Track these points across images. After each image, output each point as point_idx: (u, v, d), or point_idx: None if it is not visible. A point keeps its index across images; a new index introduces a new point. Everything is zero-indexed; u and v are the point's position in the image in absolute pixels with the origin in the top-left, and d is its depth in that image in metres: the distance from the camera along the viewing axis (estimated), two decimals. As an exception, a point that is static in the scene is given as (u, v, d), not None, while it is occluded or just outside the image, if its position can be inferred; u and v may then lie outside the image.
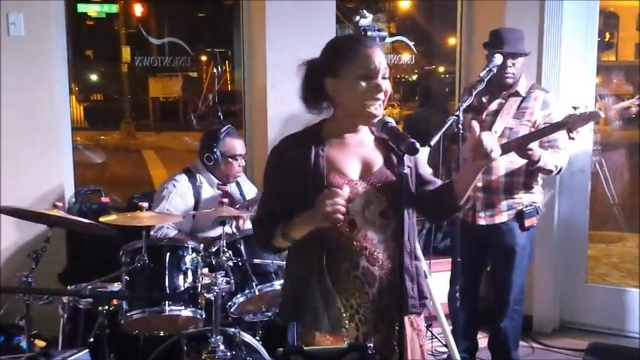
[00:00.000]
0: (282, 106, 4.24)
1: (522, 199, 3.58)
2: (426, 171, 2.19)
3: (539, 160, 3.35)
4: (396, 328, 1.98)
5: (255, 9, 4.36)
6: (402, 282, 1.93)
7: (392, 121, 1.94)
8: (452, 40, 5.13)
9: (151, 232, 3.34)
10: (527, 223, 3.58)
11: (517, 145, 3.33)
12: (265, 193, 2.13)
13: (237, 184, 3.77)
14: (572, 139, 3.28)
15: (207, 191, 3.58)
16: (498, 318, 3.72)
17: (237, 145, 3.60)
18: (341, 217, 1.87)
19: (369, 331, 2.06)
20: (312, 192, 1.95)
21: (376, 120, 1.98)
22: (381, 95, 1.98)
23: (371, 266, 2.03)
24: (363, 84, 1.98)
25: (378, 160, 2.07)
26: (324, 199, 1.86)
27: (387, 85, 2.00)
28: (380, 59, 1.99)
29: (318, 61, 2.11)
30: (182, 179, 3.55)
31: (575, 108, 3.22)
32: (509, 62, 3.49)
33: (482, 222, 3.58)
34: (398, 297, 1.92)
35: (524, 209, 3.57)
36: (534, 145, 3.32)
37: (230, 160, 3.57)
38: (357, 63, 1.99)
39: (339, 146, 2.07)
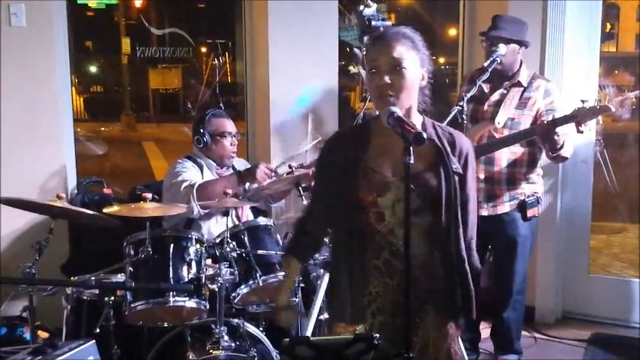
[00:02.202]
0: (285, 98, 4.24)
1: (524, 189, 3.58)
2: (473, 179, 2.16)
3: (562, 146, 3.34)
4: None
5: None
6: (407, 284, 1.88)
7: (398, 111, 1.94)
8: (453, 31, 5.11)
9: (182, 186, 3.33)
10: (530, 213, 3.58)
11: (545, 130, 3.29)
12: (314, 184, 2.28)
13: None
14: (581, 132, 3.27)
15: (208, 175, 3.59)
16: (501, 308, 3.73)
17: (225, 123, 3.61)
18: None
19: (386, 322, 2.09)
20: (346, 183, 2.05)
21: (383, 110, 1.98)
22: (386, 90, 1.99)
23: (393, 259, 2.06)
24: (372, 77, 2.02)
25: (423, 161, 2.06)
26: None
27: (396, 78, 1.99)
28: (390, 53, 1.99)
29: None
30: (187, 162, 3.57)
31: (583, 102, 3.21)
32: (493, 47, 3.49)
33: (484, 213, 3.57)
34: (404, 298, 1.90)
35: (527, 199, 3.57)
36: (560, 131, 3.30)
37: (219, 138, 3.58)
38: (369, 57, 2.04)
39: (381, 143, 2.09)
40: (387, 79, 1.99)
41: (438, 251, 2.07)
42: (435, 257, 2.07)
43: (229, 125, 3.62)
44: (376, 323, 2.09)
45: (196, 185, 3.34)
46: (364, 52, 2.14)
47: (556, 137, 3.28)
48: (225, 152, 3.62)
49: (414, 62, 2.03)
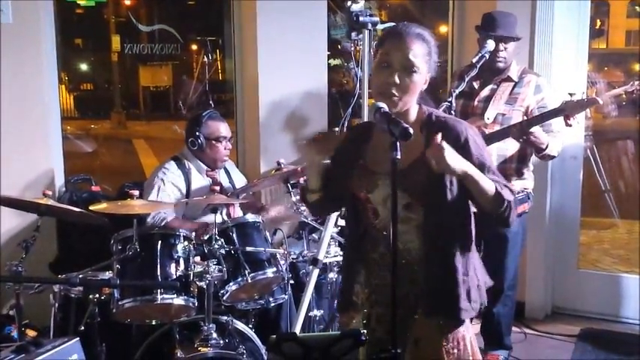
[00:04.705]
0: (274, 95, 4.23)
1: (514, 185, 3.57)
2: (485, 160, 2.08)
3: (546, 147, 3.34)
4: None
5: (245, -4, 4.34)
6: (393, 278, 1.87)
7: (385, 107, 1.93)
8: (443, 29, 5.11)
9: (148, 219, 3.32)
10: (520, 209, 3.57)
11: (519, 130, 3.30)
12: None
13: (227, 172, 3.75)
14: (570, 125, 3.27)
15: (196, 178, 3.57)
16: (491, 304, 3.72)
17: (221, 128, 3.58)
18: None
19: (384, 314, 2.10)
20: (343, 179, 2.14)
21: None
22: (392, 88, 1.98)
23: (389, 253, 2.03)
24: (380, 71, 2.01)
25: (409, 157, 2.03)
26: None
27: (406, 79, 1.98)
28: (406, 52, 1.97)
29: None
30: (171, 166, 3.54)
31: (571, 94, 3.21)
32: (501, 46, 3.47)
33: (474, 209, 3.56)
34: (391, 294, 1.90)
35: (517, 196, 3.56)
36: (540, 132, 3.30)
37: (214, 142, 3.56)
38: (382, 49, 2.03)
39: (380, 139, 2.07)
40: (396, 77, 1.97)
41: (431, 246, 2.06)
42: (429, 252, 2.07)
43: (225, 129, 3.60)
44: (374, 314, 2.14)
45: (165, 221, 3.33)
46: (374, 42, 2.14)
47: (533, 138, 3.28)
48: (219, 156, 3.60)
49: (424, 66, 2.01)
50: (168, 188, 3.46)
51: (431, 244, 2.06)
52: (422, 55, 1.99)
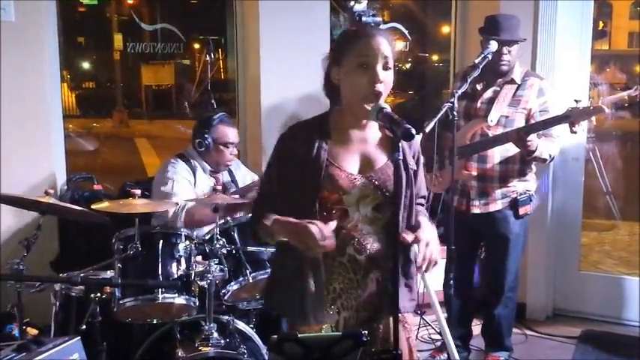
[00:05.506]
0: (276, 95, 4.23)
1: (517, 187, 3.58)
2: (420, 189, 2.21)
3: (535, 150, 3.34)
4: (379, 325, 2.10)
5: (248, -5, 4.34)
6: (395, 275, 1.89)
7: (387, 107, 1.93)
8: (446, 29, 5.11)
9: (169, 216, 3.27)
10: (522, 211, 3.57)
11: (517, 137, 3.31)
12: (265, 178, 2.18)
13: (229, 170, 3.75)
14: (575, 132, 3.27)
15: (201, 177, 3.56)
16: (492, 305, 3.73)
17: (230, 133, 3.56)
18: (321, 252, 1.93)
19: (350, 318, 2.09)
20: (309, 182, 2.01)
21: (371, 107, 1.96)
22: (379, 86, 1.97)
23: (357, 255, 2.06)
24: (361, 72, 1.98)
25: (381, 158, 2.08)
26: (311, 231, 1.88)
27: (386, 75, 1.99)
28: (382, 49, 1.98)
29: (330, 51, 2.13)
30: (179, 162, 3.53)
31: (577, 101, 3.21)
32: (505, 49, 3.46)
33: (476, 210, 3.57)
34: (392, 293, 1.91)
35: (519, 197, 3.57)
36: (531, 135, 3.31)
37: (221, 147, 3.54)
38: (356, 51, 2.00)
39: (343, 139, 2.08)
40: (380, 76, 1.97)
41: (392, 244, 2.04)
42: (395, 250, 2.04)
43: (233, 135, 3.57)
44: (341, 320, 2.09)
45: (185, 209, 3.29)
46: (341, 45, 2.07)
47: (528, 143, 3.29)
48: (223, 161, 3.57)
49: (392, 66, 2.03)
50: (182, 182, 3.45)
51: (395, 242, 2.02)
52: (392, 54, 2.02)
